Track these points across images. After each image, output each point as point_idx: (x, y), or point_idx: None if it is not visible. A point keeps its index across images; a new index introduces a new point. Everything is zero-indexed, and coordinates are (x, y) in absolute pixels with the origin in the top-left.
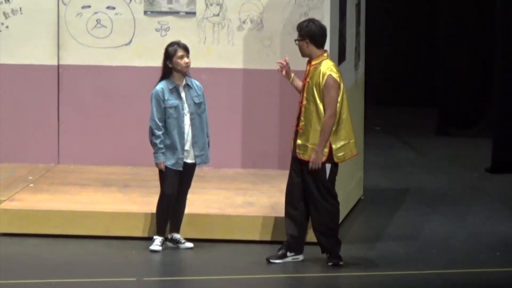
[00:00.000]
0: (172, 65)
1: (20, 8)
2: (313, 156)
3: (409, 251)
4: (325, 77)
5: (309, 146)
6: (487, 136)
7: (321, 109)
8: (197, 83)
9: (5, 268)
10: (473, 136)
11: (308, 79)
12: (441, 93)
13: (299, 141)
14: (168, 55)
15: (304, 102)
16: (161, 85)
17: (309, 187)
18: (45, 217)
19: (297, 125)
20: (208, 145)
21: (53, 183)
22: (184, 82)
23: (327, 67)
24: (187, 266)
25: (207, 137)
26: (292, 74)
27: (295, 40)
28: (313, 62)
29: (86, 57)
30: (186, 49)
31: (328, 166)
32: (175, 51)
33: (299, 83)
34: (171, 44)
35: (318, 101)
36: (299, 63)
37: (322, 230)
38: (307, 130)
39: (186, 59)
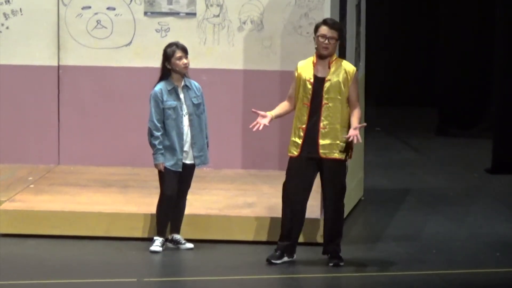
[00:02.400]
0: (170, 66)
1: (20, 9)
2: (357, 131)
3: (409, 251)
4: (353, 72)
5: (340, 143)
6: (487, 136)
7: (346, 105)
8: (196, 84)
9: (5, 269)
10: (473, 136)
11: (329, 78)
12: (441, 94)
13: (323, 142)
14: (167, 56)
15: (325, 101)
16: (160, 86)
17: (327, 187)
18: (45, 218)
19: (312, 125)
20: (207, 146)
21: (53, 183)
22: (182, 83)
23: (347, 63)
24: (188, 267)
25: (206, 138)
26: (271, 113)
27: (337, 40)
28: (331, 60)
29: (86, 58)
30: (184, 50)
31: (348, 164)
32: (174, 52)
33: (279, 111)
34: (170, 45)
35: (344, 98)
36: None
37: (333, 232)
38: (333, 129)
39: (184, 60)
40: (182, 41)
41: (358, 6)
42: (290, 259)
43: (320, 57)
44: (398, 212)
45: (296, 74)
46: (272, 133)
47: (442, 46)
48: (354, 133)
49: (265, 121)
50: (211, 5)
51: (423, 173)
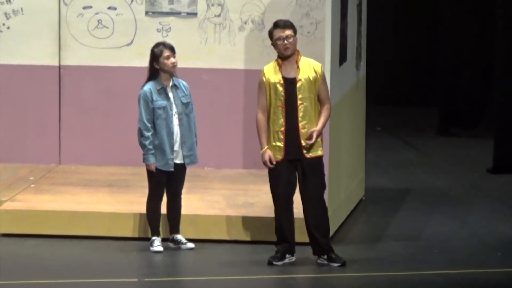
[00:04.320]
0: (159, 66)
1: (22, 9)
2: (317, 133)
3: (410, 251)
4: (321, 69)
5: (319, 141)
6: (488, 136)
7: (316, 102)
8: (184, 83)
9: (6, 269)
10: (474, 136)
11: (299, 77)
12: (442, 93)
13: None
14: (154, 56)
15: (300, 102)
16: (149, 86)
17: (311, 185)
18: (46, 218)
19: (291, 127)
20: (196, 145)
21: (54, 183)
22: (171, 83)
23: (313, 60)
24: (188, 267)
25: (195, 136)
26: (266, 146)
27: (294, 36)
28: (298, 59)
29: (87, 58)
30: (172, 49)
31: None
32: (161, 52)
33: (267, 134)
34: (157, 45)
35: (315, 97)
36: None
37: (323, 230)
38: (310, 128)
39: (172, 59)
40: (183, 41)
41: (359, 5)
42: (292, 258)
43: (285, 58)
44: (399, 212)
45: (264, 79)
46: None
47: (443, 45)
48: (316, 134)
49: (270, 156)
50: (212, 5)
51: (424, 173)
